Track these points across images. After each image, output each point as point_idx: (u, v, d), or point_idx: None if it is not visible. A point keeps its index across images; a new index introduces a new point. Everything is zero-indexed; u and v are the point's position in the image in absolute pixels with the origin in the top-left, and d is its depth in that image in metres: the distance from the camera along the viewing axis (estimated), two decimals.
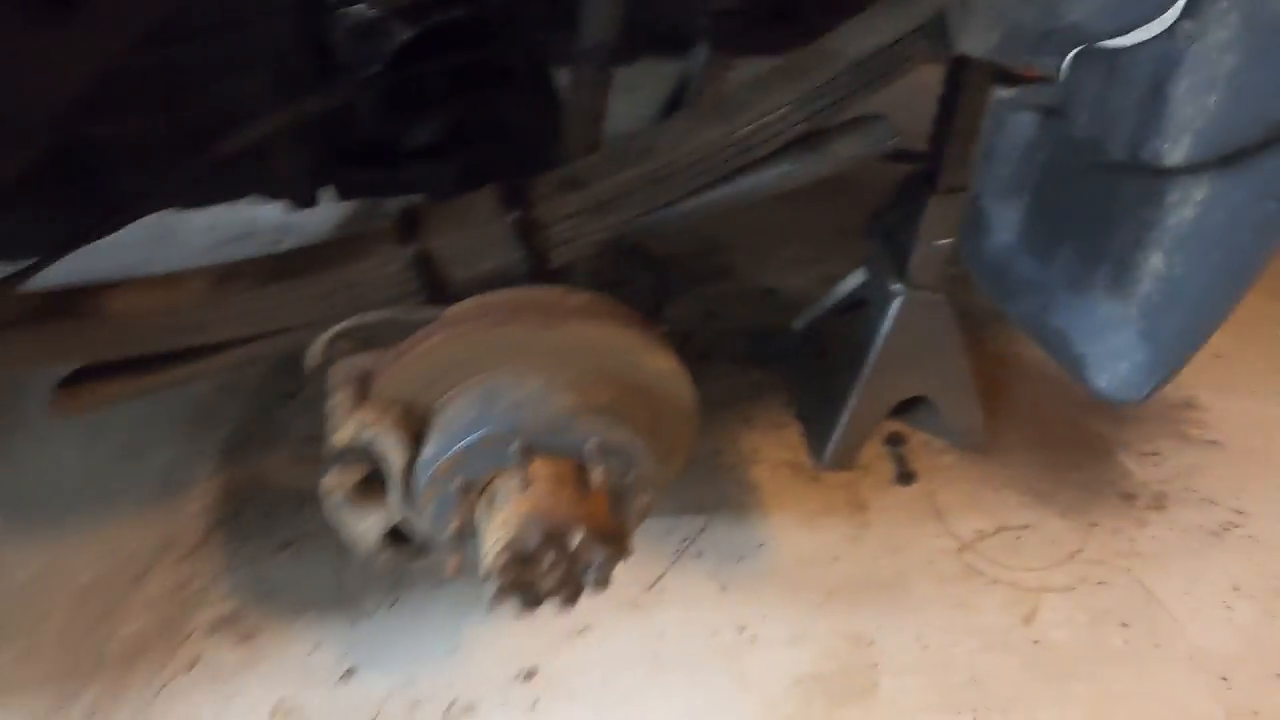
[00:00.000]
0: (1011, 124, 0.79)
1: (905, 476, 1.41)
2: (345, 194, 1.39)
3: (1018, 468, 1.43)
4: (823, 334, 1.64)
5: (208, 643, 1.19)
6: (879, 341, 1.33)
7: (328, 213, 2.31)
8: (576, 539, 0.71)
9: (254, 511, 1.40)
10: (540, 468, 0.73)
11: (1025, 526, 1.33)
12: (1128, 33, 0.58)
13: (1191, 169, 0.57)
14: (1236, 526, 1.34)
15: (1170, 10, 0.53)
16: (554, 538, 0.71)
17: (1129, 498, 1.38)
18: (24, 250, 0.98)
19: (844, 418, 1.40)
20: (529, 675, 1.13)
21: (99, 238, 1.00)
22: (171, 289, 0.85)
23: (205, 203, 1.12)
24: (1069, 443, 1.47)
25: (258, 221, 2.36)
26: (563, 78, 1.53)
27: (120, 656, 1.21)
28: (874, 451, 1.47)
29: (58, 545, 1.48)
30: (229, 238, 2.31)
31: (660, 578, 1.27)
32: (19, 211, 0.97)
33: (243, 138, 0.90)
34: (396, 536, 0.86)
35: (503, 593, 0.73)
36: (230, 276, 0.86)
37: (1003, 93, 0.77)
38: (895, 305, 1.29)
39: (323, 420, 0.80)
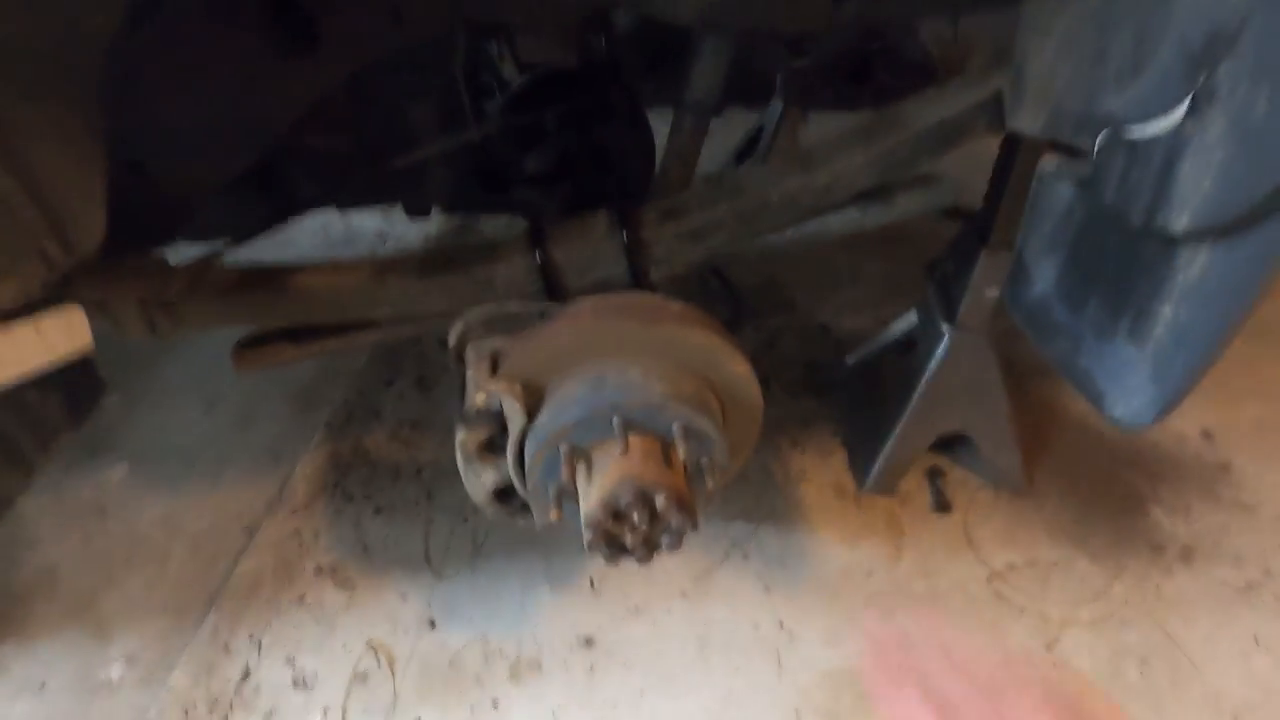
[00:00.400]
0: (1052, 191, 0.93)
1: (942, 506, 1.52)
2: (459, 209, 1.59)
3: (1052, 510, 1.51)
4: (873, 370, 1.77)
5: (314, 584, 1.37)
6: (926, 378, 1.45)
7: (419, 225, 2.56)
8: (660, 501, 0.86)
9: (354, 480, 1.59)
10: (635, 441, 0.89)
11: (1055, 564, 1.42)
12: (1147, 124, 0.72)
13: (1195, 236, 0.70)
14: (1263, 586, 1.39)
15: (1178, 110, 0.67)
16: (642, 498, 0.85)
17: (1158, 548, 1.45)
18: (218, 233, 1.21)
19: (888, 447, 1.51)
20: (588, 643, 1.27)
21: (273, 230, 1.22)
22: (343, 274, 1.05)
23: (359, 206, 1.33)
24: (1104, 492, 1.55)
25: (360, 229, 2.64)
26: (655, 116, 1.73)
27: (239, 587, 1.40)
28: (915, 482, 1.58)
29: (177, 498, 1.69)
30: (337, 240, 2.58)
31: (710, 573, 1.39)
32: (220, 202, 1.19)
33: (410, 157, 1.11)
34: (503, 495, 1.02)
35: (596, 540, 0.88)
36: (389, 268, 1.06)
37: (1047, 164, 0.91)
38: (943, 345, 1.41)
39: (459, 392, 0.98)
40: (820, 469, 1.61)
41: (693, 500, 0.91)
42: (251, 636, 1.30)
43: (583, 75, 1.52)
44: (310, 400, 1.89)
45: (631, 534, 0.89)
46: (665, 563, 1.43)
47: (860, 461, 1.59)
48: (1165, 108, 0.71)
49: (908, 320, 1.61)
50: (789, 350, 1.93)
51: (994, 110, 0.99)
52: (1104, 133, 0.78)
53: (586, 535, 0.87)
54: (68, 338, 0.75)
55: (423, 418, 1.74)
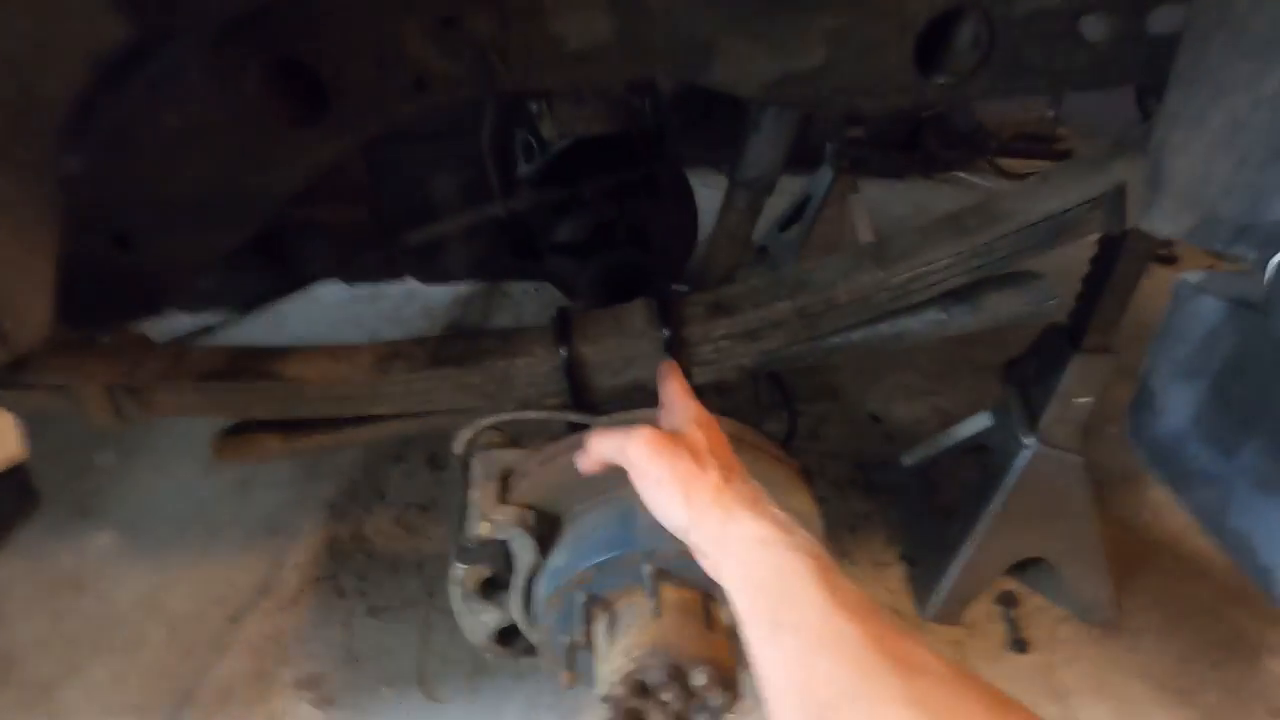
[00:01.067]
0: (1194, 306, 0.76)
1: (1019, 644, 1.30)
2: (483, 279, 1.47)
3: (1149, 654, 1.29)
4: (934, 473, 1.58)
5: (290, 699, 1.20)
6: (1002, 494, 1.26)
7: (448, 287, 2.46)
8: (698, 679, 0.69)
9: (350, 571, 1.43)
10: (669, 595, 0.72)
11: None
12: None
13: None
14: None
15: None
16: (676, 674, 0.68)
17: (1278, 714, 1.22)
18: (215, 304, 1.09)
19: (955, 569, 1.32)
20: None
21: (275, 301, 1.10)
22: (340, 362, 0.91)
23: (370, 281, 1.21)
24: (1208, 635, 1.33)
25: (387, 286, 2.54)
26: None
27: (206, 699, 1.24)
28: (983, 609, 1.37)
29: (162, 573, 1.55)
30: (361, 297, 2.49)
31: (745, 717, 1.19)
32: (217, 274, 1.08)
33: (428, 233, 0.98)
34: (506, 636, 0.85)
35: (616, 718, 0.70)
36: (394, 356, 0.92)
37: (1191, 276, 0.75)
38: (1024, 459, 1.23)
39: (457, 509, 0.82)
40: (873, 585, 1.41)
41: (736, 672, 0.73)
42: None
43: (626, 142, 1.41)
44: (313, 471, 1.75)
45: (660, 712, 0.71)
46: None
47: (921, 582, 1.39)
48: None
49: (979, 422, 1.43)
50: (836, 442, 1.75)
51: (1114, 206, 0.83)
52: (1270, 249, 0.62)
53: (605, 712, 0.70)
54: None
55: (431, 500, 1.59)
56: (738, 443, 0.79)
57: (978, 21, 0.84)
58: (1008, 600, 1.38)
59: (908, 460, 1.58)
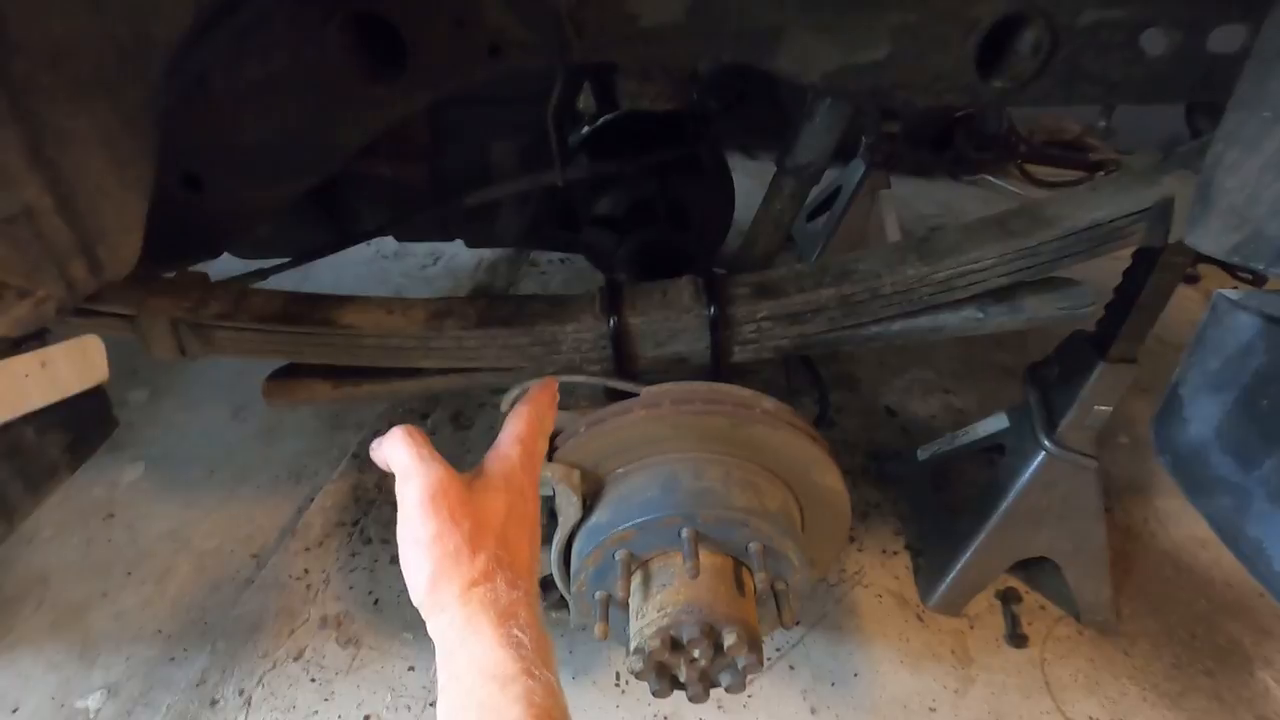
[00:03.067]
0: (1231, 320, 0.79)
1: (1018, 638, 1.35)
2: (530, 246, 1.49)
3: (1142, 658, 1.34)
4: (948, 470, 1.61)
5: (316, 637, 1.25)
6: (1014, 493, 1.29)
7: (474, 251, 2.49)
8: (728, 638, 0.72)
9: (375, 520, 1.48)
10: (706, 561, 0.76)
11: None
12: None
13: None
14: None
15: None
16: (708, 632, 0.72)
17: None
18: (270, 252, 1.12)
19: (961, 564, 1.36)
20: None
21: (328, 254, 1.13)
22: (394, 314, 0.95)
23: (422, 240, 1.23)
24: (1202, 643, 1.37)
25: (411, 244, 2.56)
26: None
27: (237, 629, 1.29)
28: (985, 603, 1.41)
29: (189, 509, 1.60)
30: (387, 254, 2.51)
31: (750, 683, 1.24)
32: (280, 222, 1.11)
33: (486, 196, 1.01)
34: (540, 587, 0.89)
35: (644, 671, 0.74)
36: (446, 313, 0.95)
37: (1228, 292, 0.77)
38: (1039, 461, 1.26)
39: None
40: (880, 572, 1.45)
41: (760, 637, 0.77)
42: (242, 692, 1.18)
43: (672, 120, 1.42)
44: (340, 419, 1.80)
45: (688, 667, 0.75)
46: None
47: (928, 573, 1.43)
48: None
49: (996, 422, 1.45)
50: (851, 431, 1.78)
51: (1159, 219, 0.85)
52: None
53: (634, 663, 0.74)
54: (80, 373, 0.65)
55: (456, 458, 1.59)
56: (788, 427, 0.82)
57: (1040, 28, 0.85)
58: (1009, 597, 1.42)
59: (922, 454, 1.61)
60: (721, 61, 0.87)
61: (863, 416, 1.85)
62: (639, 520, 0.76)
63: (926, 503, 1.57)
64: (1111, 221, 0.87)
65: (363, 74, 0.82)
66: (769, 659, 1.28)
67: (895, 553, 1.50)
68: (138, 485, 1.66)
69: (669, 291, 0.95)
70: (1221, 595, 1.46)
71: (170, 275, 0.96)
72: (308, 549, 1.42)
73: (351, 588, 1.34)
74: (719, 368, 0.95)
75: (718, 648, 0.73)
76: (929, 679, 1.27)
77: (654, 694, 0.77)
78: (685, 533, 0.75)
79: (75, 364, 0.64)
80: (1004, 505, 1.30)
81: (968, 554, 1.35)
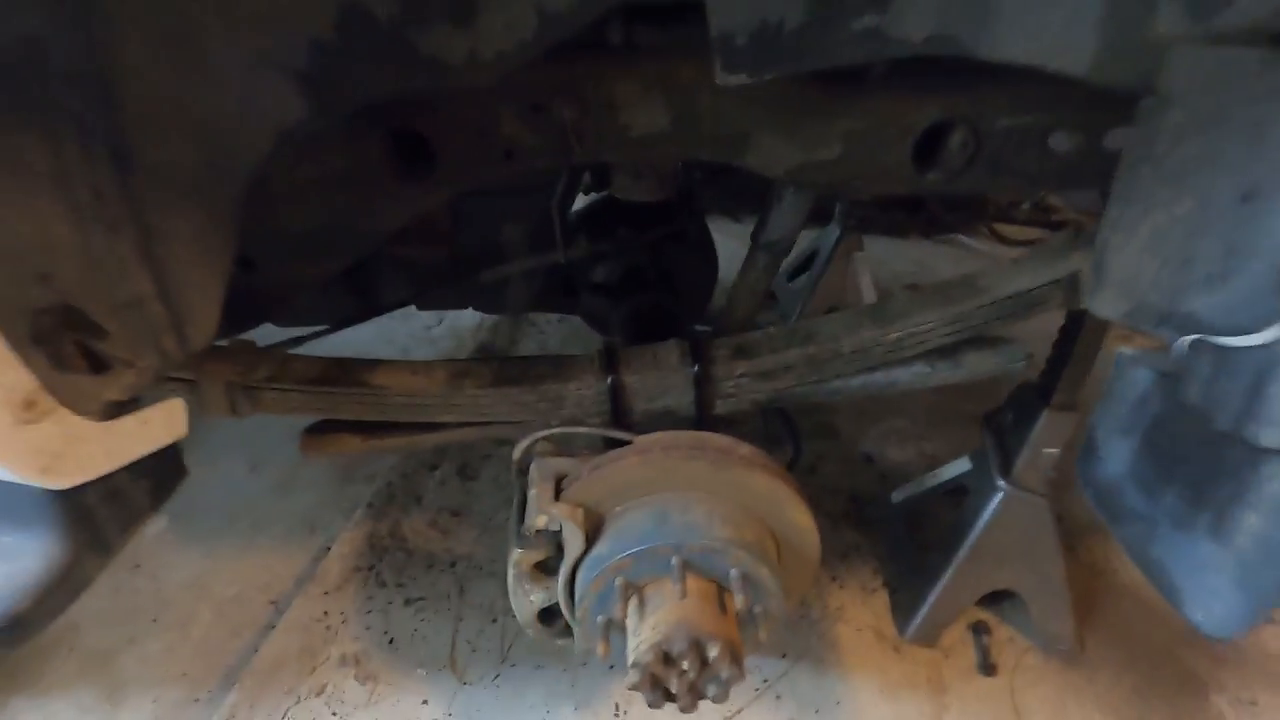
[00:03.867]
0: (1130, 375, 0.93)
1: (988, 668, 1.45)
2: (533, 311, 1.64)
3: (1105, 685, 1.43)
4: (919, 510, 1.73)
5: (336, 674, 1.35)
6: (977, 531, 1.42)
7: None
8: (713, 652, 0.84)
9: (388, 565, 1.58)
10: (693, 584, 0.88)
11: None
12: (1237, 335, 0.73)
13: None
14: None
15: (1271, 330, 0.69)
16: (695, 647, 0.84)
17: None
18: (307, 321, 1.26)
19: (932, 597, 1.47)
20: None
21: (357, 323, 1.28)
22: (419, 375, 1.08)
23: (436, 308, 1.38)
24: (1161, 672, 1.47)
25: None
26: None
27: (260, 668, 1.38)
28: (958, 635, 1.51)
29: (210, 559, 1.70)
30: (395, 315, 2.66)
31: (738, 713, 1.34)
32: (313, 295, 1.25)
33: (499, 272, 1.16)
34: (547, 616, 1.01)
35: (641, 683, 0.85)
36: (464, 374, 1.09)
37: (1126, 350, 0.92)
38: (997, 500, 1.39)
39: (516, 510, 0.98)
40: (860, 608, 1.56)
41: (743, 652, 0.89)
42: None
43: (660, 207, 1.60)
44: (352, 473, 1.91)
45: (678, 680, 0.86)
46: None
47: (903, 607, 1.54)
48: (1255, 322, 0.72)
49: (960, 466, 1.59)
50: (831, 478, 1.91)
51: (1071, 288, 1.01)
52: (1192, 336, 0.79)
53: (632, 676, 0.85)
54: (168, 429, 0.78)
55: (463, 507, 1.74)
56: (761, 470, 0.95)
57: (965, 132, 1.03)
58: (980, 629, 1.52)
59: (896, 497, 1.74)
60: (700, 160, 1.04)
61: (843, 464, 1.98)
62: (634, 550, 0.88)
63: (901, 542, 1.69)
64: (1031, 290, 1.02)
65: (398, 175, 0.98)
66: (757, 689, 1.38)
67: (874, 590, 1.60)
68: (161, 537, 1.76)
69: (659, 353, 1.09)
70: (1179, 627, 1.57)
71: (222, 343, 1.10)
72: (326, 593, 1.52)
73: (368, 628, 1.44)
74: (703, 419, 1.09)
75: (704, 661, 0.84)
76: (906, 706, 1.37)
77: (649, 705, 0.88)
78: (674, 560, 0.87)
79: (164, 422, 0.77)
80: (968, 542, 1.43)
81: (938, 588, 1.46)
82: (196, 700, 1.36)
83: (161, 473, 0.82)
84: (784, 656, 1.44)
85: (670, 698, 0.88)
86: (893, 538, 1.71)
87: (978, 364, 1.10)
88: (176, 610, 1.58)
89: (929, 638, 1.49)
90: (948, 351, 1.10)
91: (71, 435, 0.62)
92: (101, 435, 0.67)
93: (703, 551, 0.88)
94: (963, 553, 1.43)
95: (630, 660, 0.86)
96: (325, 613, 1.48)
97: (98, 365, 0.72)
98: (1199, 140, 0.75)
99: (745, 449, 0.95)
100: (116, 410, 0.72)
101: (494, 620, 1.46)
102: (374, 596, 1.50)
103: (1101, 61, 0.75)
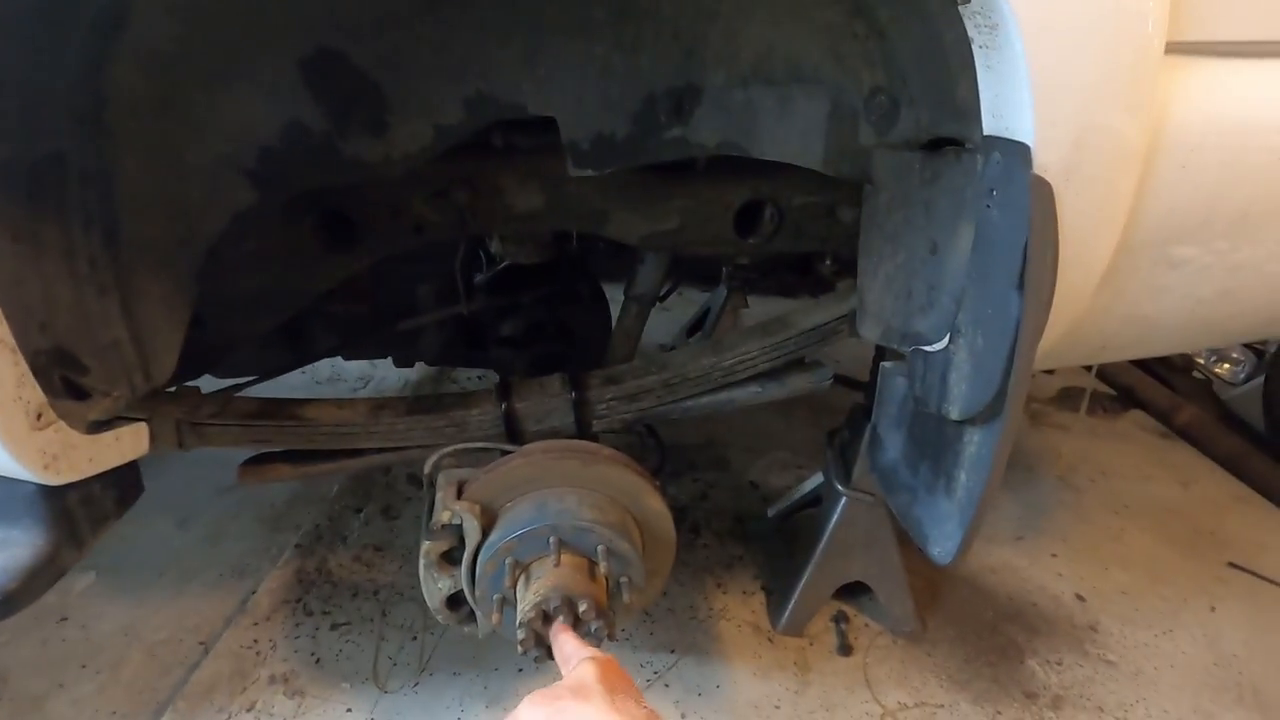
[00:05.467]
0: (892, 381, 1.25)
1: (845, 649, 1.70)
2: (442, 363, 1.88)
3: (941, 657, 1.71)
4: (789, 522, 2.01)
5: (265, 692, 1.48)
6: (828, 532, 1.70)
7: (399, 372, 2.84)
8: (583, 608, 1.06)
9: (316, 596, 1.73)
10: (566, 557, 1.11)
11: (940, 706, 1.59)
12: (932, 344, 1.04)
13: (968, 421, 1.00)
14: None
15: (945, 338, 1.00)
16: (568, 604, 1.06)
17: (1032, 696, 1.64)
18: (245, 371, 1.47)
19: (797, 592, 1.73)
20: None
21: (290, 370, 1.49)
22: (344, 408, 1.30)
23: (363, 358, 1.61)
24: (987, 643, 1.76)
25: (344, 370, 2.90)
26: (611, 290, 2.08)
27: (191, 694, 1.49)
28: (823, 625, 1.77)
29: (139, 608, 1.79)
30: (322, 379, 2.83)
31: None
32: (249, 349, 1.46)
33: (413, 323, 1.41)
34: (454, 602, 1.21)
35: (527, 641, 1.06)
36: (382, 406, 1.31)
37: (886, 363, 1.24)
38: (840, 504, 1.68)
39: (426, 511, 1.20)
40: (740, 608, 1.80)
41: (611, 611, 1.12)
42: None
43: (555, 263, 1.89)
44: (280, 523, 2.05)
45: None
46: None
47: (775, 604, 1.79)
48: (944, 334, 1.04)
49: (815, 480, 1.89)
50: (720, 502, 2.17)
51: (852, 321, 1.33)
52: (913, 347, 1.12)
53: (519, 633, 1.06)
54: (134, 446, 0.98)
55: (386, 543, 1.91)
56: (621, 466, 1.20)
57: (771, 208, 1.36)
58: (840, 618, 1.78)
59: (771, 512, 2.02)
60: (570, 231, 1.33)
61: (732, 491, 2.26)
62: (519, 533, 1.11)
63: (777, 551, 1.96)
64: (826, 324, 1.34)
65: (327, 246, 1.23)
66: (649, 680, 1.58)
67: (753, 593, 1.85)
68: (89, 591, 1.84)
69: (544, 384, 1.35)
70: (1004, 607, 1.87)
71: (171, 389, 1.29)
72: (256, 624, 1.65)
73: (296, 651, 1.57)
74: (582, 437, 1.35)
75: (577, 617, 1.07)
76: (775, 685, 1.60)
77: (535, 661, 1.09)
78: (551, 539, 1.11)
79: (132, 440, 0.97)
80: (822, 541, 1.70)
81: (801, 584, 1.72)
82: None
83: (125, 485, 1.00)
84: (672, 651, 1.65)
85: (551, 654, 1.09)
86: (769, 548, 1.98)
87: (797, 383, 1.40)
88: (107, 655, 1.66)
89: (797, 628, 1.74)
90: (774, 374, 1.40)
91: (66, 442, 0.82)
92: (87, 445, 0.87)
93: (574, 530, 1.12)
94: (819, 552, 1.71)
95: (518, 622, 1.07)
96: (255, 640, 1.61)
97: (79, 394, 0.93)
98: (900, 212, 1.09)
99: (608, 451, 1.20)
100: (97, 428, 0.92)
101: (414, 638, 1.63)
102: (301, 624, 1.65)
103: (830, 160, 1.09)
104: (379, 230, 1.24)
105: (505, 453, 1.23)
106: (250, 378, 1.42)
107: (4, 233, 0.78)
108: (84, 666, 1.63)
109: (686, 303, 3.16)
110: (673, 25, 1.03)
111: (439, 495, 1.17)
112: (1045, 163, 0.75)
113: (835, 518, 1.69)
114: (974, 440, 1.04)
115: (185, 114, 0.96)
